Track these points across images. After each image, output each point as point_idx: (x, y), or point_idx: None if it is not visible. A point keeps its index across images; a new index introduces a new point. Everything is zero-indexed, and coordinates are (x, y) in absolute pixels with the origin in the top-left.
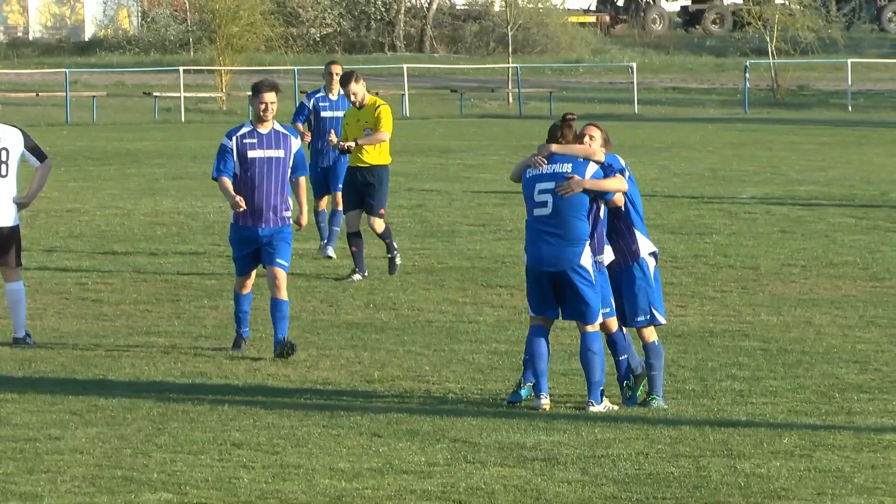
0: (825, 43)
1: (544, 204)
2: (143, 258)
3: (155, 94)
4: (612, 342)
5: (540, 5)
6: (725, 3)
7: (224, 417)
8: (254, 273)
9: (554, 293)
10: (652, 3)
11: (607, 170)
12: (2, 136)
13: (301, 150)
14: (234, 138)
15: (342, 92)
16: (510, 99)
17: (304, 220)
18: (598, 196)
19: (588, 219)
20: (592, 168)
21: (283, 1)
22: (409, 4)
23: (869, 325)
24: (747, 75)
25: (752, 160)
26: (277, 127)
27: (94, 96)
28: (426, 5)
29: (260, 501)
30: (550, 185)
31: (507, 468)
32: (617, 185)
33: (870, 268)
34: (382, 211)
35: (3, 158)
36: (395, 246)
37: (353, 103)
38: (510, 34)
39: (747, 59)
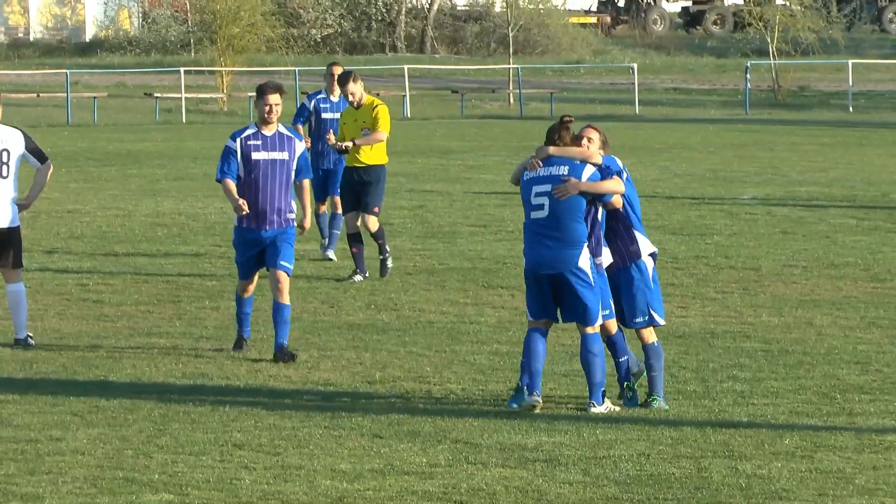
0: (826, 44)
1: (541, 207)
2: (144, 259)
3: (156, 94)
4: (611, 344)
5: (541, 6)
6: (726, 4)
7: (225, 418)
8: (256, 277)
9: (553, 296)
10: (653, 3)
11: (604, 172)
12: (3, 137)
13: (305, 153)
14: (238, 140)
15: (342, 93)
16: (511, 100)
17: (308, 224)
18: (595, 198)
19: (586, 221)
20: (589, 170)
21: (283, 2)
22: (409, 5)
23: (870, 326)
24: (748, 76)
25: (753, 161)
26: (282, 129)
27: (94, 97)
28: (427, 6)
29: (261, 502)
30: (547, 187)
31: (509, 469)
32: (613, 187)
33: (871, 269)
34: (377, 209)
35: (4, 160)
36: (388, 249)
37: (351, 103)
38: (511, 35)
39: (748, 59)
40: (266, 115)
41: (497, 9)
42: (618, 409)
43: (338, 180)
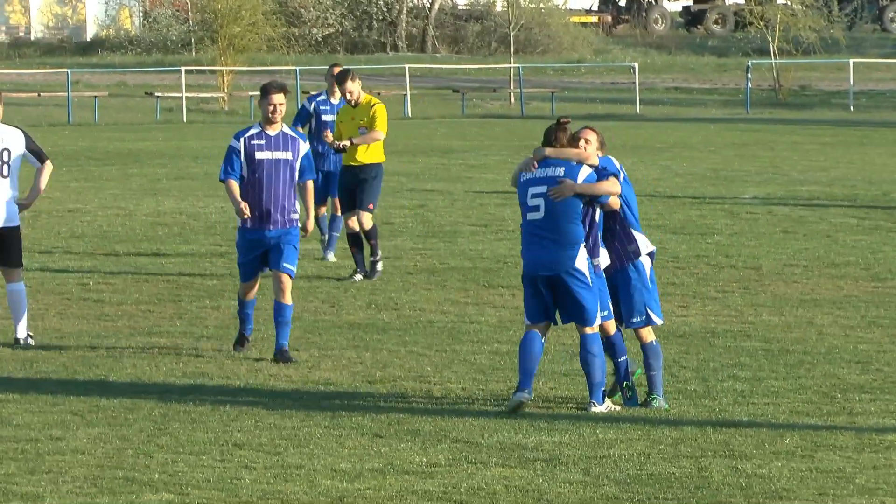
0: (827, 43)
1: (537, 208)
2: (144, 258)
3: (157, 94)
4: (610, 345)
5: (542, 5)
6: (727, 3)
7: (226, 418)
8: (258, 280)
9: (551, 297)
10: (654, 3)
11: (601, 173)
12: (3, 136)
13: (309, 154)
14: (241, 139)
15: (340, 91)
16: (512, 99)
17: (311, 226)
18: (592, 200)
19: (584, 222)
20: (585, 171)
21: (284, 1)
22: (410, 4)
23: (871, 325)
24: (749, 75)
25: (754, 160)
26: (286, 129)
27: (95, 96)
28: (428, 5)
29: (261, 502)
30: (543, 189)
31: (509, 469)
32: (609, 189)
33: (872, 268)
34: (372, 206)
35: (5, 159)
36: (380, 252)
37: (349, 101)
38: (512, 34)
39: (749, 59)
40: (270, 115)
41: (498, 8)
42: (618, 408)
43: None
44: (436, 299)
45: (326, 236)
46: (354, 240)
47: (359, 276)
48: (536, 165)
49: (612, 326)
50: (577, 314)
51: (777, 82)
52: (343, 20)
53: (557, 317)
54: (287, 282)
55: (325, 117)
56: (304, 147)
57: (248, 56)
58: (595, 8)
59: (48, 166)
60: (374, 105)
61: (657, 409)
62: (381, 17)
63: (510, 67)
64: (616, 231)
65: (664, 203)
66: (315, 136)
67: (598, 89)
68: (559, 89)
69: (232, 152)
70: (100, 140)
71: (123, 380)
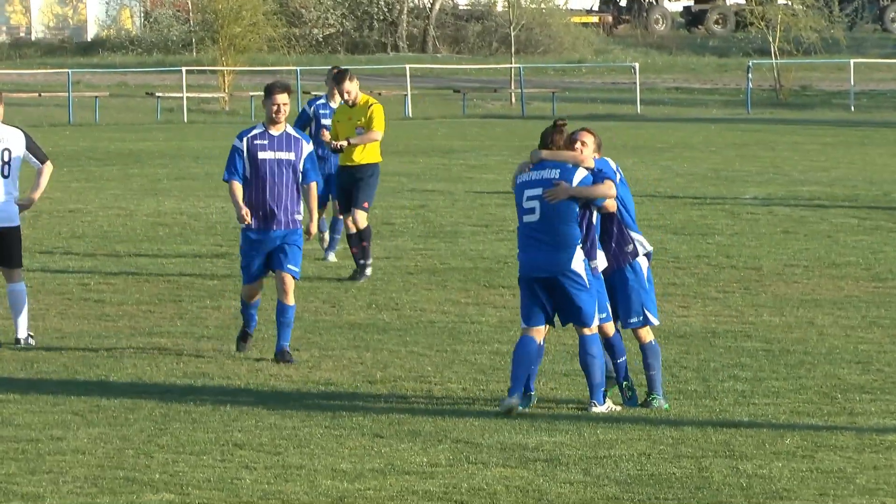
0: (828, 43)
1: (532, 210)
2: (145, 259)
3: (157, 94)
4: (609, 346)
5: (543, 5)
6: (728, 4)
7: (226, 418)
8: (261, 283)
9: (549, 299)
10: (654, 3)
11: (597, 175)
12: (4, 136)
13: (312, 155)
14: (244, 139)
15: (338, 91)
16: (513, 99)
17: (314, 229)
18: (588, 202)
19: (581, 224)
20: (581, 174)
21: (285, 1)
22: (411, 5)
23: (871, 325)
24: (750, 75)
25: (755, 160)
26: (289, 130)
27: (96, 97)
28: (429, 5)
29: (262, 502)
30: (538, 191)
31: (510, 469)
32: (604, 192)
33: (872, 268)
34: (367, 204)
35: (6, 159)
36: (371, 255)
37: (346, 101)
38: (513, 34)
39: (750, 59)
40: (274, 115)
41: (499, 8)
42: (619, 408)
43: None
44: (436, 299)
45: (327, 236)
46: (355, 240)
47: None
48: (529, 168)
49: (610, 328)
50: (575, 316)
51: (778, 82)
52: (344, 20)
53: (557, 319)
54: (290, 283)
55: (324, 121)
56: (308, 148)
57: (249, 56)
58: (596, 8)
59: (48, 167)
60: (371, 105)
61: (657, 409)
62: (381, 18)
63: (511, 67)
64: (613, 232)
65: (665, 203)
66: (315, 140)
67: (599, 89)
68: (560, 89)
69: (235, 152)
70: (100, 140)
71: (124, 380)
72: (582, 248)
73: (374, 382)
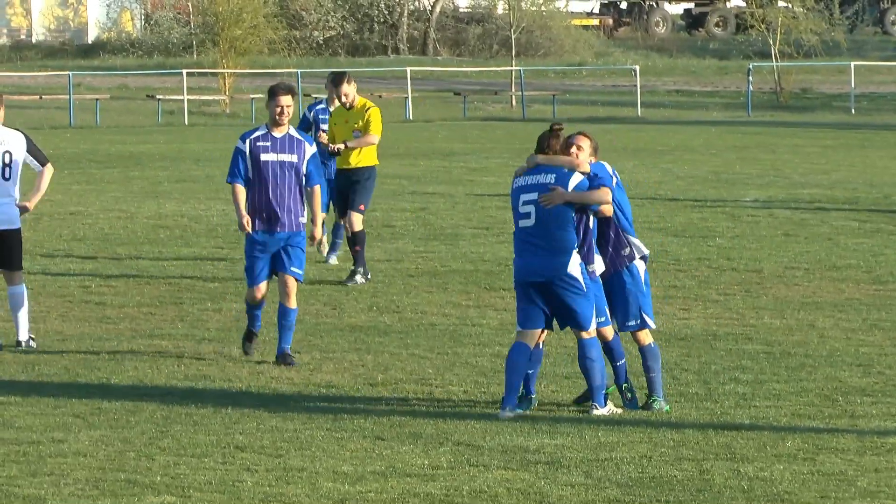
0: (828, 46)
1: (528, 215)
2: (146, 261)
3: (158, 96)
4: (608, 350)
5: (543, 8)
6: (729, 6)
7: (227, 420)
8: (265, 285)
9: (545, 303)
10: (655, 5)
11: (593, 180)
12: (5, 139)
13: (316, 157)
14: (247, 141)
15: (335, 94)
16: (513, 102)
17: (318, 233)
18: (584, 207)
19: (578, 228)
20: (577, 178)
21: (286, 4)
22: (412, 7)
23: (872, 328)
24: (750, 78)
25: (756, 163)
26: (292, 132)
27: (97, 99)
28: (429, 8)
29: None
30: (533, 195)
31: (511, 471)
32: (600, 198)
33: (873, 271)
34: (362, 207)
35: (7, 161)
36: (363, 262)
37: (343, 104)
38: (513, 37)
39: (750, 61)
40: (277, 117)
41: (499, 11)
42: (620, 411)
43: None
44: (437, 302)
45: (325, 240)
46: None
47: (361, 280)
48: (525, 173)
49: (609, 332)
50: (572, 320)
51: (778, 85)
52: (344, 23)
53: (556, 322)
54: (293, 286)
55: (324, 126)
56: (311, 150)
57: (250, 59)
58: (596, 11)
59: (49, 169)
60: (368, 109)
61: (658, 412)
62: (382, 20)
63: (511, 70)
64: (609, 237)
65: (665, 206)
66: (315, 144)
67: (600, 92)
68: (560, 92)
69: (237, 154)
70: (101, 143)
71: (125, 382)
72: (579, 252)
73: (376, 385)
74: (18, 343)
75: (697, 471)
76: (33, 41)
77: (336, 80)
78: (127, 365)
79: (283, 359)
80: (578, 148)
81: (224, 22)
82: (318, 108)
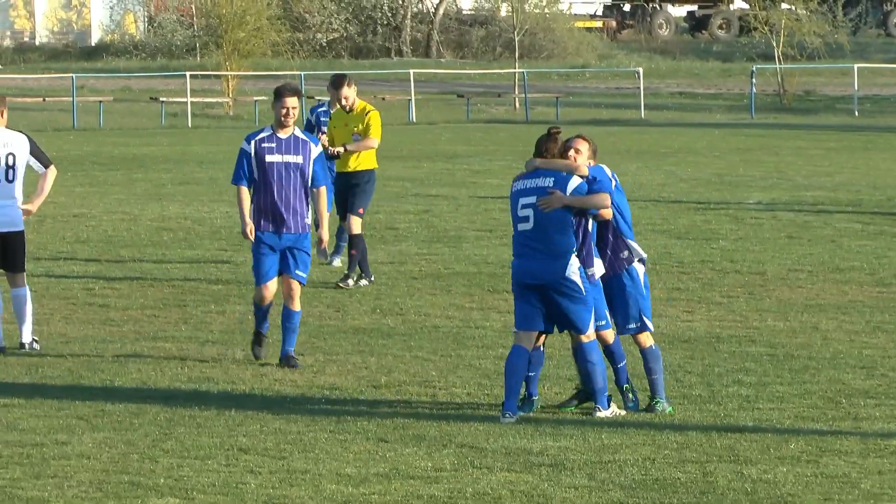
0: (831, 48)
1: (527, 219)
2: (149, 263)
3: (161, 99)
4: (609, 353)
5: (546, 10)
6: (732, 9)
7: (231, 423)
8: (274, 283)
9: (542, 306)
10: (658, 8)
11: (592, 183)
12: (8, 141)
13: (321, 158)
14: (252, 142)
15: (336, 96)
16: (517, 104)
17: (326, 236)
18: (583, 210)
19: (577, 232)
20: (575, 182)
21: (289, 6)
22: (415, 9)
23: (875, 330)
24: (754, 80)
25: (759, 165)
26: (297, 133)
27: (100, 101)
28: (433, 10)
29: None
30: (532, 199)
31: (514, 473)
32: (598, 202)
33: (876, 273)
34: (361, 210)
35: (10, 163)
36: (355, 268)
37: (343, 107)
38: (517, 39)
39: (754, 64)
40: (283, 118)
41: (503, 13)
42: (623, 413)
43: None
44: (441, 304)
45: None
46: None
47: (364, 282)
48: (524, 176)
49: (610, 335)
50: (570, 323)
51: (781, 87)
52: (348, 25)
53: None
54: (297, 288)
55: (325, 128)
56: (316, 150)
57: (253, 61)
58: (599, 13)
59: (52, 171)
60: (368, 112)
61: (661, 413)
62: (385, 22)
63: (515, 72)
64: (608, 239)
65: (669, 208)
66: None
67: (603, 94)
68: (564, 94)
69: (242, 155)
70: (105, 145)
71: (129, 384)
72: (578, 255)
73: (379, 387)
74: (22, 345)
75: (701, 473)
76: (37, 43)
77: (336, 84)
78: (130, 367)
79: (286, 361)
80: (576, 151)
81: (227, 24)
82: (319, 110)
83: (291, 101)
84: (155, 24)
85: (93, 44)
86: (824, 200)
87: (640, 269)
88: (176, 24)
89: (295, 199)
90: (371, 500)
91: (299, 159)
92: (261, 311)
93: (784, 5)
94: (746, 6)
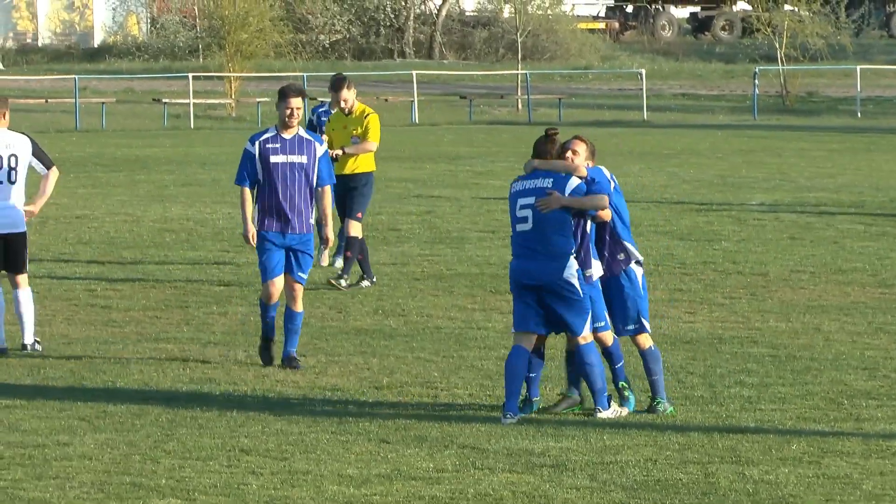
0: (834, 49)
1: (525, 220)
2: (151, 265)
3: (164, 100)
4: (607, 354)
5: (549, 12)
6: (735, 10)
7: (233, 423)
8: (281, 280)
9: (540, 307)
10: (661, 9)
11: (590, 184)
12: (11, 142)
13: (326, 157)
14: (256, 143)
15: (335, 98)
16: (519, 105)
17: (330, 235)
18: (582, 211)
19: (575, 233)
20: (574, 182)
21: (292, 7)
22: (418, 11)
23: (878, 331)
24: (756, 82)
25: (762, 167)
26: (302, 133)
27: (103, 103)
28: (435, 12)
29: None
30: (531, 200)
31: (516, 474)
32: (596, 203)
33: (878, 274)
34: (360, 214)
35: (13, 165)
36: (349, 273)
37: (342, 109)
38: (519, 41)
39: (756, 65)
40: (287, 119)
41: (505, 14)
42: (624, 412)
43: None
44: (443, 305)
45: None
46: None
47: (366, 283)
48: (522, 177)
49: (609, 337)
50: (565, 324)
51: (784, 89)
52: (350, 26)
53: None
54: (299, 290)
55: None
56: (321, 149)
57: (256, 62)
58: (602, 14)
59: (54, 172)
60: (367, 115)
61: (663, 414)
62: (388, 24)
63: (517, 74)
64: (606, 241)
65: (671, 209)
66: None
67: (606, 96)
68: (567, 96)
69: (246, 156)
70: (107, 146)
71: (131, 385)
72: (576, 257)
73: (381, 388)
74: (24, 346)
75: (702, 474)
76: (39, 45)
77: (336, 86)
78: (132, 368)
79: (288, 362)
80: (574, 153)
81: (230, 26)
82: (321, 110)
83: (296, 102)
84: (157, 26)
85: (95, 45)
86: (827, 202)
87: (638, 270)
88: (178, 25)
89: (300, 199)
90: (373, 500)
91: (304, 159)
92: (268, 315)
93: (787, 7)
94: (749, 7)
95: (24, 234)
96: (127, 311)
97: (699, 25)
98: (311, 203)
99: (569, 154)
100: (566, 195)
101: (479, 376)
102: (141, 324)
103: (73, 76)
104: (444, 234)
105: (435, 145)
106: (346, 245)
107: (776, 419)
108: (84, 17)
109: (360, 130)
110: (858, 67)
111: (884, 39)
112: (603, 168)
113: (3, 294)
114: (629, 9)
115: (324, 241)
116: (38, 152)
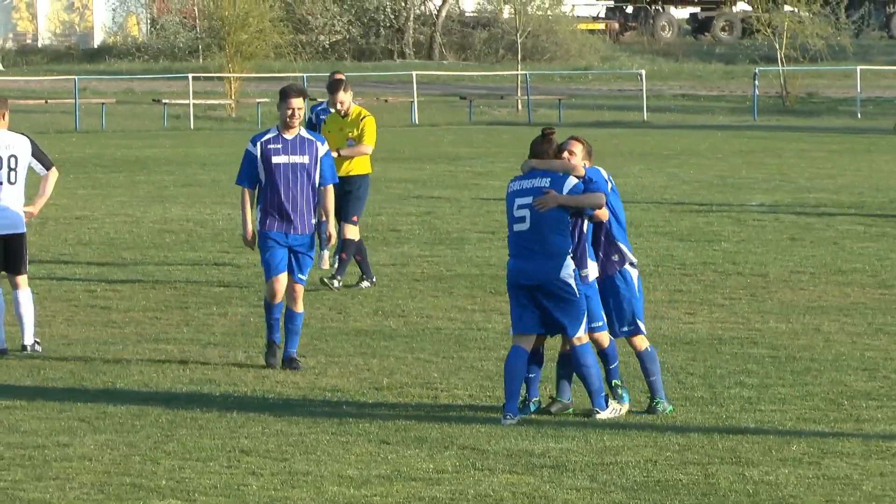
0: (834, 50)
1: (523, 219)
2: (151, 266)
3: (164, 101)
4: (603, 355)
5: (549, 13)
6: (735, 11)
7: (233, 424)
8: (285, 277)
9: (536, 308)
10: (661, 10)
11: (588, 184)
12: (10, 143)
13: (329, 156)
14: (258, 144)
15: (331, 100)
16: (519, 106)
17: (333, 233)
18: (579, 211)
19: (572, 233)
20: (571, 182)
21: (292, 8)
22: (418, 12)
23: (878, 332)
24: (756, 82)
25: (762, 167)
26: (303, 133)
27: (103, 103)
28: (435, 12)
29: None
30: (528, 200)
31: (516, 475)
32: (593, 202)
33: (878, 275)
34: (355, 218)
35: (13, 166)
36: (343, 274)
37: (339, 111)
38: (519, 41)
39: (756, 66)
40: (288, 119)
41: (505, 15)
42: (623, 408)
43: None
44: (443, 306)
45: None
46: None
47: (365, 283)
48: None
49: (605, 338)
50: (560, 325)
51: (784, 89)
52: (350, 27)
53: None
54: (300, 291)
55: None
56: (323, 149)
57: (256, 63)
58: (602, 15)
59: (54, 173)
60: (363, 118)
61: (662, 414)
62: (388, 25)
63: (517, 74)
64: (601, 242)
65: (671, 210)
66: None
67: (606, 96)
68: (566, 96)
69: (247, 157)
70: (107, 147)
71: (130, 386)
72: (573, 257)
73: (381, 389)
74: (24, 347)
75: (703, 475)
76: (39, 45)
77: (332, 88)
78: (132, 369)
79: (288, 363)
80: (570, 153)
81: (230, 26)
82: (318, 108)
83: (297, 102)
84: (157, 27)
85: (95, 46)
86: (827, 202)
87: (633, 272)
88: (178, 26)
89: (302, 200)
90: (373, 501)
91: (305, 160)
92: (272, 316)
93: (787, 7)
94: (749, 8)
95: (23, 235)
96: (127, 312)
97: (699, 26)
98: (314, 204)
99: (565, 154)
100: (563, 194)
101: (479, 377)
102: (141, 325)
103: (73, 77)
104: (444, 235)
105: (435, 146)
106: (342, 247)
107: (776, 420)
108: (84, 17)
109: (356, 133)
110: (858, 68)
111: (884, 40)
112: (600, 169)
113: (3, 295)
114: (629, 9)
115: (326, 239)
116: (37, 153)
